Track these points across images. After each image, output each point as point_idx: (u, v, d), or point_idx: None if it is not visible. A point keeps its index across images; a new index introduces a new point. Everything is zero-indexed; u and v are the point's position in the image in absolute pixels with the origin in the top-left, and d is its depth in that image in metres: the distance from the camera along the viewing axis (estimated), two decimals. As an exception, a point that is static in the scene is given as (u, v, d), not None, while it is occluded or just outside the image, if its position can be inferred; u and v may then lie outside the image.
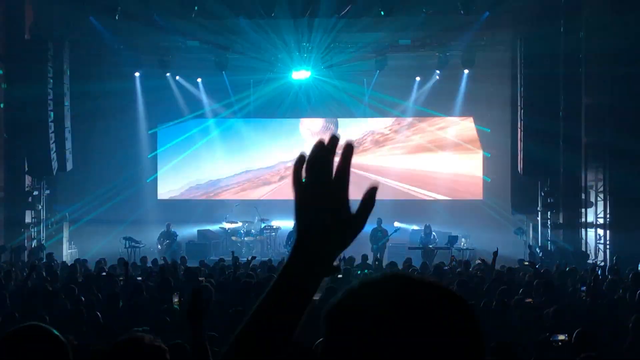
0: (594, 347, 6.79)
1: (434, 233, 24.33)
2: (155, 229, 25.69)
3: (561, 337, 7.47)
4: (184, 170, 29.27)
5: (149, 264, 19.13)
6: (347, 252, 20.11)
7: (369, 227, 24.91)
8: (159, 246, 25.13)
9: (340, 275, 13.50)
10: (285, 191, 28.36)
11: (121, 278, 13.94)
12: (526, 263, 17.63)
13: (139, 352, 3.30)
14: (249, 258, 17.01)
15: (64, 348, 2.81)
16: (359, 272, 15.29)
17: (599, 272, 15.99)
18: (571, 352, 6.97)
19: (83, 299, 11.00)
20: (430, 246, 23.53)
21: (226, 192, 29.42)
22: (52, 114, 23.22)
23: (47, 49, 23.04)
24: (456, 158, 28.46)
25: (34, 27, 23.61)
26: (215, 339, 8.82)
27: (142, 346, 3.33)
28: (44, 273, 15.82)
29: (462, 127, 28.52)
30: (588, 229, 22.59)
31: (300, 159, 1.66)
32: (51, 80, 23.20)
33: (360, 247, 22.47)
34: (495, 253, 14.51)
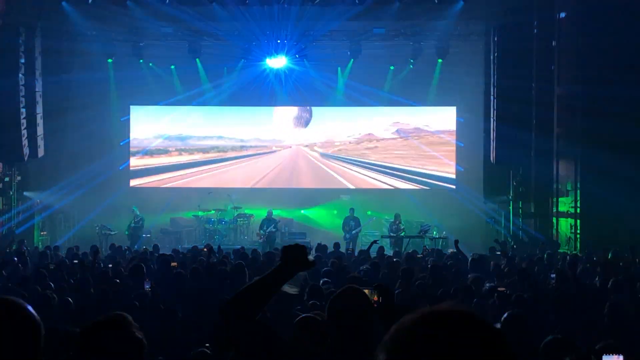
0: (522, 332, 6.81)
1: (402, 222, 24.41)
2: (127, 216, 25.57)
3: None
4: (157, 119, 29.10)
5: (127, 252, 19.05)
6: (321, 240, 20.18)
7: (342, 216, 25.13)
8: (126, 232, 24.98)
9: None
10: (259, 180, 28.40)
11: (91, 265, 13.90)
12: (498, 252, 17.75)
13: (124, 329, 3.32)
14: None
15: (36, 323, 2.80)
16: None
17: (569, 260, 16.19)
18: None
19: (52, 285, 10.97)
20: (401, 235, 23.71)
21: (193, 158, 29.23)
22: (23, 100, 22.96)
23: (18, 34, 22.77)
24: (430, 147, 28.56)
25: (5, 13, 23.31)
26: (184, 324, 8.84)
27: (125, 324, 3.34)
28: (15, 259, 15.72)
29: (438, 116, 28.60)
30: (559, 218, 22.81)
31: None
32: (23, 67, 22.93)
33: (334, 236, 22.53)
34: (456, 242, 15.00)
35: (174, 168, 29.06)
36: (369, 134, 28.97)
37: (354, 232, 24.26)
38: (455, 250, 16.48)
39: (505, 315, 7.08)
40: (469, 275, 12.20)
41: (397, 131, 28.91)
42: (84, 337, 3.28)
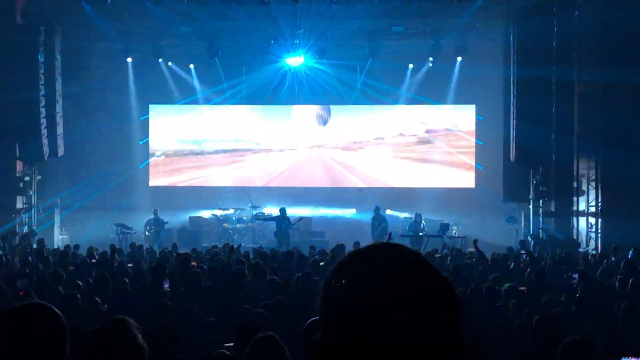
0: (554, 333, 6.76)
1: (423, 221, 24.35)
2: (146, 215, 25.65)
3: None
4: (176, 118, 29.09)
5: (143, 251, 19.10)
6: (339, 240, 20.11)
7: (361, 214, 25.12)
8: (146, 233, 25.06)
9: (322, 263, 13.67)
10: (275, 179, 28.38)
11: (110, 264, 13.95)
12: (522, 252, 17.66)
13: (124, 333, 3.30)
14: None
15: (66, 329, 2.85)
16: None
17: (591, 259, 16.07)
18: (533, 338, 6.95)
19: (80, 283, 11.01)
20: (420, 234, 23.60)
21: (212, 156, 29.24)
22: (43, 99, 23.11)
23: (38, 33, 22.91)
24: (449, 146, 28.42)
25: (26, 11, 23.45)
26: (208, 323, 8.84)
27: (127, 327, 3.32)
28: (30, 259, 15.82)
29: (457, 114, 28.45)
30: (580, 217, 22.65)
31: None
32: (42, 66, 23.08)
33: (353, 235, 22.41)
34: (475, 242, 14.95)
35: (193, 167, 29.08)
36: (391, 133, 28.84)
37: (376, 232, 24.18)
38: (473, 250, 16.40)
39: (536, 318, 7.03)
40: (490, 276, 12.13)
41: (416, 129, 28.77)
42: (87, 342, 3.28)
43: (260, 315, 8.14)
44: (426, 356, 1.44)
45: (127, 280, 11.03)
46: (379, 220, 24.50)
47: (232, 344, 7.04)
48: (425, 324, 1.45)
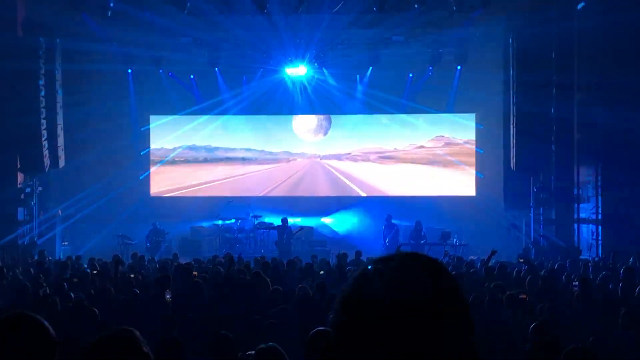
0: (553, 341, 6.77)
1: (423, 229, 24.37)
2: (148, 225, 25.66)
3: None
4: (176, 128, 29.10)
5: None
6: (341, 249, 20.10)
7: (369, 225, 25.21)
8: (147, 244, 25.05)
9: (322, 272, 13.67)
10: (274, 188, 28.37)
11: (113, 275, 13.96)
12: (521, 260, 17.64)
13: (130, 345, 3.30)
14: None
15: (52, 340, 2.82)
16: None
17: (590, 267, 16.06)
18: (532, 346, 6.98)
19: (73, 295, 11.00)
20: (422, 242, 23.62)
21: (221, 164, 29.26)
22: (44, 110, 23.15)
23: (39, 46, 22.98)
24: (449, 154, 28.45)
25: (26, 24, 23.51)
26: (211, 335, 8.84)
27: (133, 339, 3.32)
28: (32, 270, 15.81)
29: (457, 123, 28.48)
30: (581, 225, 22.64)
31: None
32: (43, 77, 23.13)
33: (358, 245, 22.37)
34: (493, 252, 14.68)
35: (194, 177, 29.11)
36: (391, 142, 28.89)
37: (388, 238, 24.26)
38: (475, 258, 16.39)
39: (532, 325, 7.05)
40: (491, 285, 12.12)
41: (416, 138, 28.81)
42: (92, 352, 3.28)
43: (270, 326, 8.17)
44: None
45: (129, 291, 11.04)
46: (390, 228, 24.54)
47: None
48: (441, 330, 1.50)
